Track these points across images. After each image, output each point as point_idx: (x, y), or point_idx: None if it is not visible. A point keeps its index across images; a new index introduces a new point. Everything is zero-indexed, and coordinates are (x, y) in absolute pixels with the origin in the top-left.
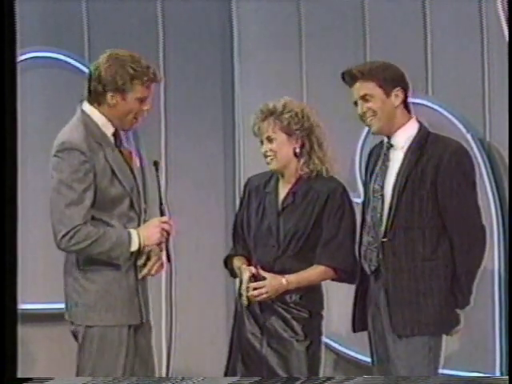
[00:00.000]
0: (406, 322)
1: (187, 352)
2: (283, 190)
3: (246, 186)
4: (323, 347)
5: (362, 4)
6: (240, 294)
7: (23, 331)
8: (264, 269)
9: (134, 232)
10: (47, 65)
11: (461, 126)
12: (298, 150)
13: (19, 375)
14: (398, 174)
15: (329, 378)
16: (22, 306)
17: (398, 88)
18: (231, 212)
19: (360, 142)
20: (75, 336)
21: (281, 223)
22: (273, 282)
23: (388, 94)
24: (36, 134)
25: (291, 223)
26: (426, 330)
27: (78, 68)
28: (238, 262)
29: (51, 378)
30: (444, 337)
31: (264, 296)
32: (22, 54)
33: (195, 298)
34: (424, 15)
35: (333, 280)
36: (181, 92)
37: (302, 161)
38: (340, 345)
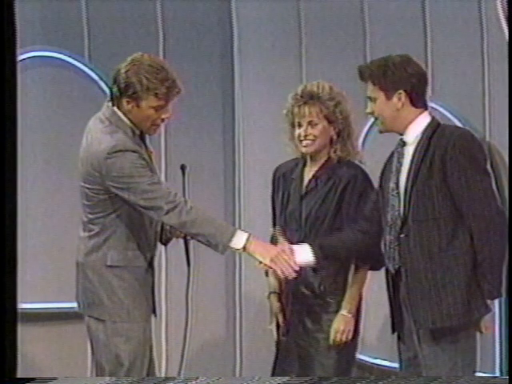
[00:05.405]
0: (427, 314)
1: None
2: (308, 176)
3: (274, 175)
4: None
5: (361, 4)
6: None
7: (23, 331)
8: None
9: (244, 234)
10: (47, 64)
11: (461, 126)
12: (334, 138)
13: (19, 375)
14: (410, 169)
15: (324, 379)
16: (22, 305)
17: (401, 91)
18: (231, 212)
19: (360, 140)
20: (90, 331)
21: (303, 208)
22: (339, 324)
23: (389, 97)
24: (36, 134)
25: (312, 208)
26: (448, 322)
27: (77, 67)
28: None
29: (54, 378)
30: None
31: (348, 334)
32: (22, 54)
33: (196, 298)
34: (424, 15)
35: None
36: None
37: (332, 147)
38: None
